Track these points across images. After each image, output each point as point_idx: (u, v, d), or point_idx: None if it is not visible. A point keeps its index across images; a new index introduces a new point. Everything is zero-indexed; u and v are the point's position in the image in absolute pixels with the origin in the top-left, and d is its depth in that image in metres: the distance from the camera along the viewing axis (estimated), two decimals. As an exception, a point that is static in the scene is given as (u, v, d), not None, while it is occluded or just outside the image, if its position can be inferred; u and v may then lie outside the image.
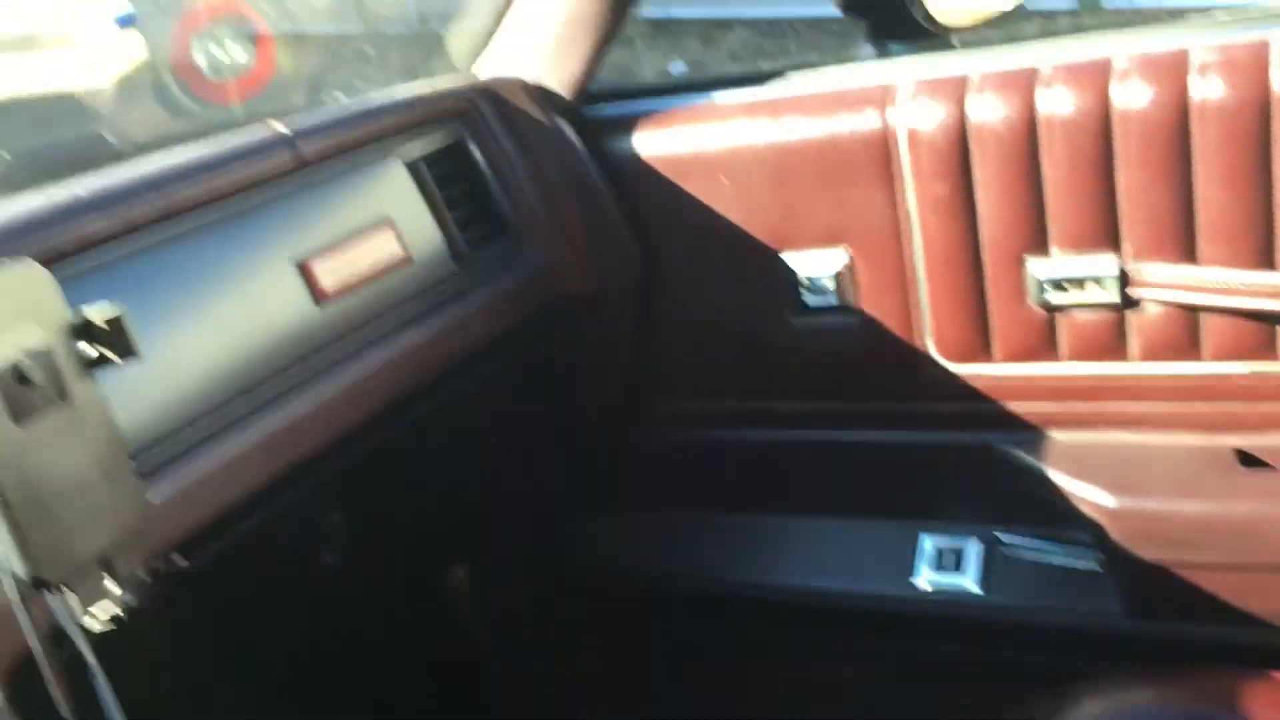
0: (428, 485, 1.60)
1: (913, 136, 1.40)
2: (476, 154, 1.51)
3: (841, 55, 1.57)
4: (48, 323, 0.83)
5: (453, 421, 1.54)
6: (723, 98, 1.52)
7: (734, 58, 7.57)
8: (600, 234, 1.57)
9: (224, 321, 1.19)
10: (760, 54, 7.66)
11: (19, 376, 0.80)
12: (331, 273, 1.30)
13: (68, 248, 1.09)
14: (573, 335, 1.65)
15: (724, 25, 7.48)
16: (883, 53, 1.53)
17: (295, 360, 1.24)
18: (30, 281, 0.84)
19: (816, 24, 7.82)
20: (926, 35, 1.47)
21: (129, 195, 1.16)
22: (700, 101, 1.53)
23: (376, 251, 1.36)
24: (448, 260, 1.44)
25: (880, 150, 1.42)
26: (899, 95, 1.41)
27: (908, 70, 1.44)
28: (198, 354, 1.16)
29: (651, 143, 1.54)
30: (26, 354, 0.80)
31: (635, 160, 1.55)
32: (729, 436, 1.67)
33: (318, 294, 1.27)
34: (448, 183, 1.46)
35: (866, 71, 1.48)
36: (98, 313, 0.86)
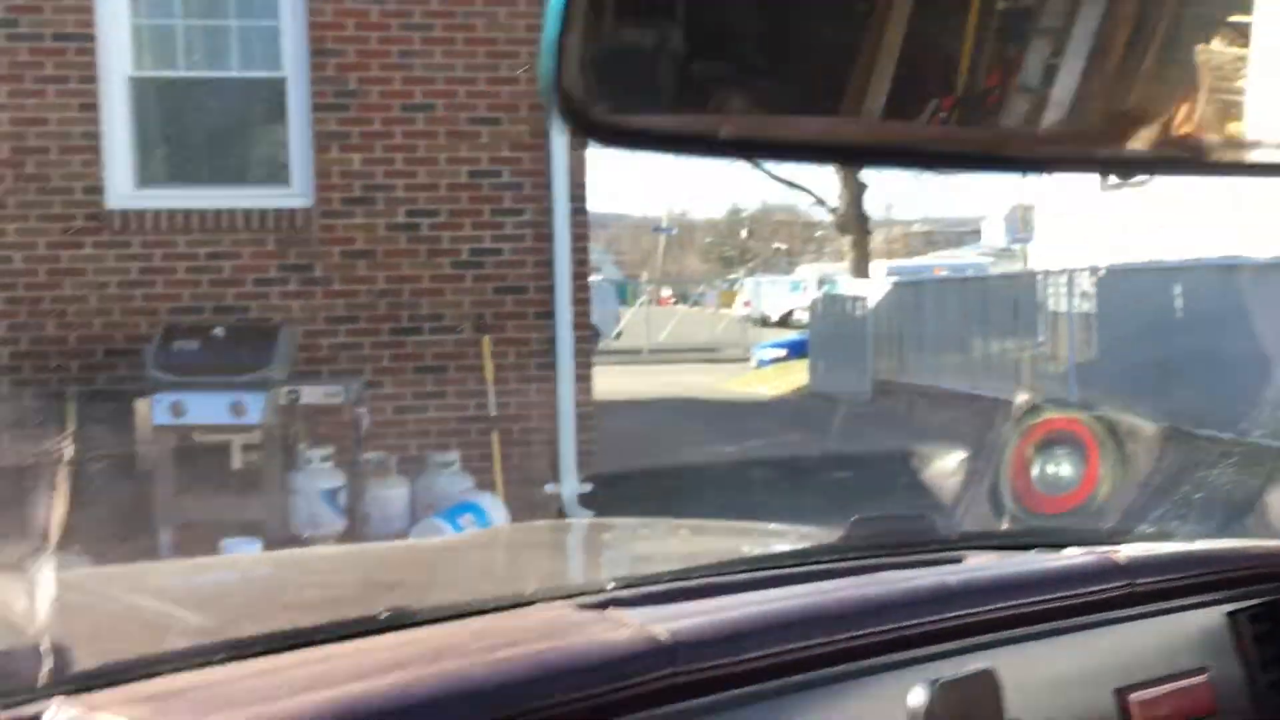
0: None
1: None
2: None
3: None
4: None
5: None
6: None
7: None
8: None
9: None
10: None
11: None
12: (1145, 708, 1.29)
13: (935, 628, 1.19)
14: None
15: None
16: None
17: None
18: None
19: None
20: None
21: (990, 593, 1.25)
22: None
23: (1188, 698, 1.34)
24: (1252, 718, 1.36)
25: None
26: None
27: None
28: None
29: None
30: None
31: None
32: None
33: None
34: (1263, 641, 1.41)
35: None
36: None
